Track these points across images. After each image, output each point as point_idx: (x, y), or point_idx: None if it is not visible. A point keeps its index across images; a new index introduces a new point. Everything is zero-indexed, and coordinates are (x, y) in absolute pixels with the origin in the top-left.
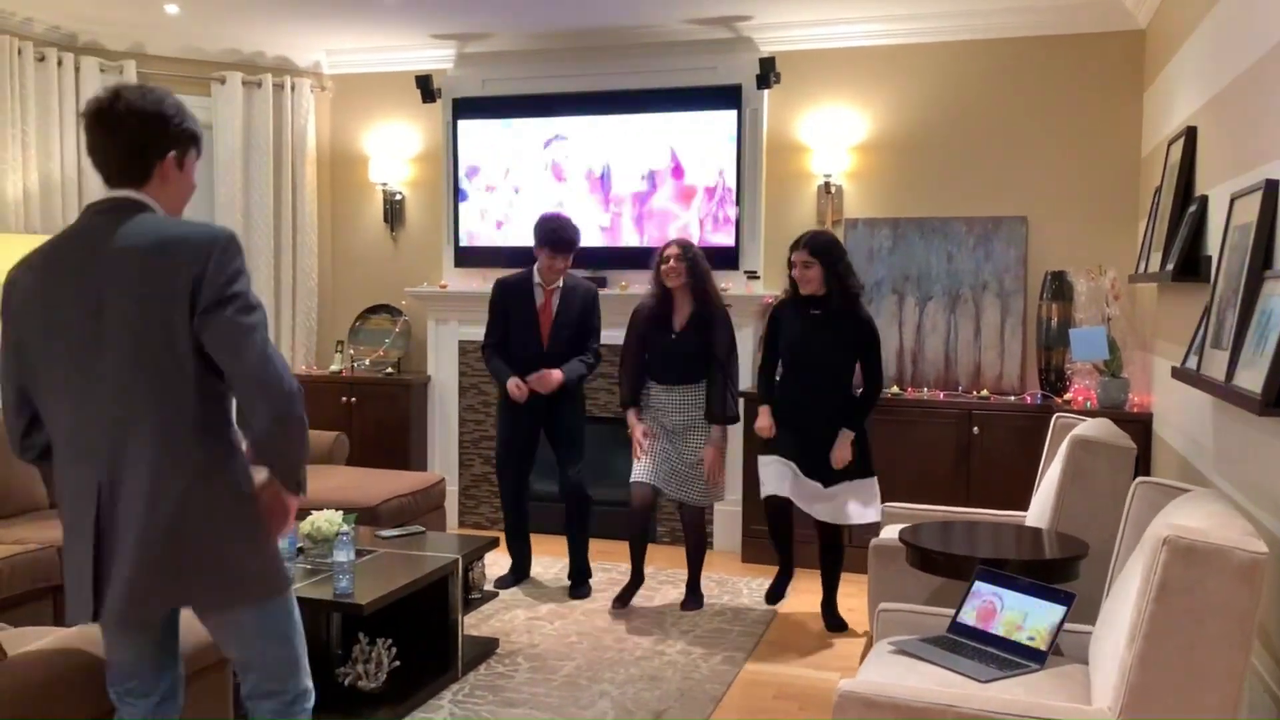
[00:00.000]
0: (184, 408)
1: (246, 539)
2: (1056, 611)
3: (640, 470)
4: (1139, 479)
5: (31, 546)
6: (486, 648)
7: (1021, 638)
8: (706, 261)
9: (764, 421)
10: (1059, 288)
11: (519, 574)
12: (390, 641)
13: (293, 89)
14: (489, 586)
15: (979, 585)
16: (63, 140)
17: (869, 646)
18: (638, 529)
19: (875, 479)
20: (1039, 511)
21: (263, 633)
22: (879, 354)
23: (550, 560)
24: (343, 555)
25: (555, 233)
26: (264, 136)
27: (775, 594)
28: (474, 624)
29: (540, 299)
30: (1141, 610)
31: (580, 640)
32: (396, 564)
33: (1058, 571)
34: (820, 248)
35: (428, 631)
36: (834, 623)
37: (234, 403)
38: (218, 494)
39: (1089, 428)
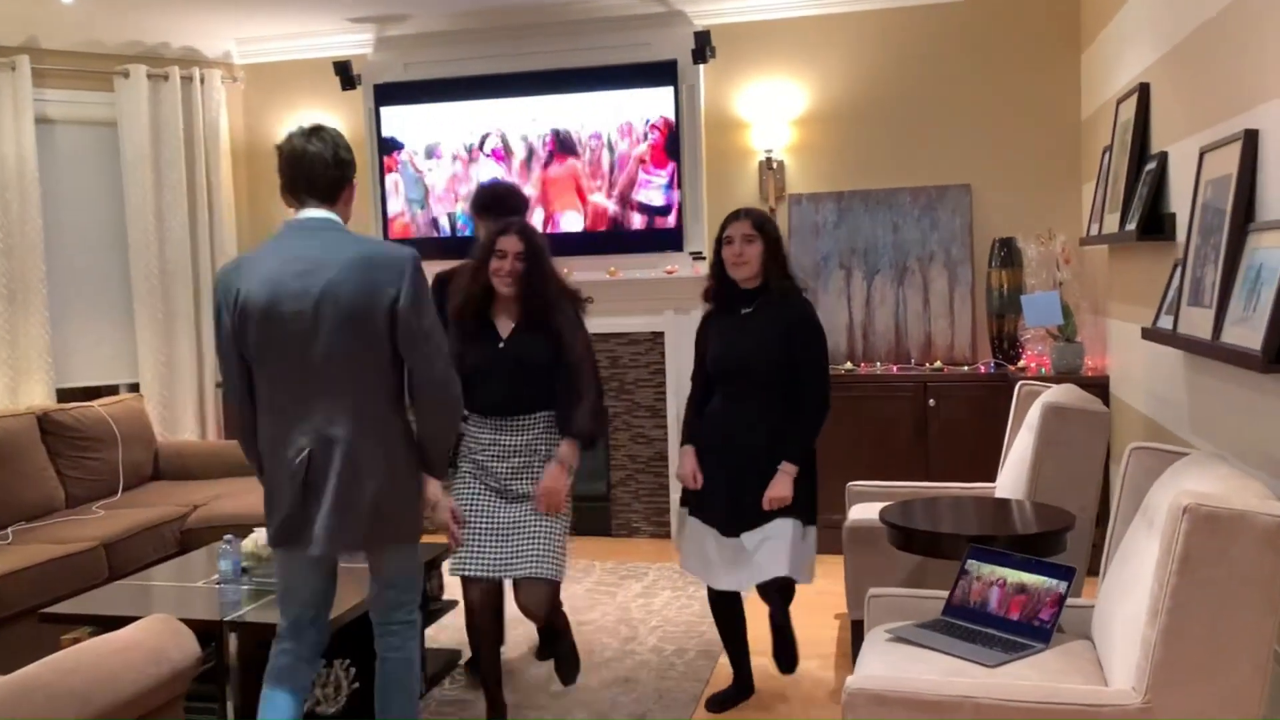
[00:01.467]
0: (382, 391)
1: (418, 494)
2: (1057, 586)
3: (467, 560)
4: (1133, 444)
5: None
6: (449, 660)
7: (1022, 616)
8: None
9: (686, 466)
10: (1008, 254)
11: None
12: (349, 662)
13: (202, 81)
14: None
15: (971, 563)
16: None
17: (848, 631)
18: (486, 639)
19: (814, 530)
20: (1011, 482)
21: (410, 560)
22: (823, 356)
23: None
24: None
25: (493, 198)
26: (173, 132)
27: (722, 702)
28: (434, 634)
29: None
30: (1164, 584)
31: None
32: (351, 579)
33: (1046, 545)
34: (763, 220)
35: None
36: (787, 660)
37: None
38: (404, 459)
39: (1058, 394)
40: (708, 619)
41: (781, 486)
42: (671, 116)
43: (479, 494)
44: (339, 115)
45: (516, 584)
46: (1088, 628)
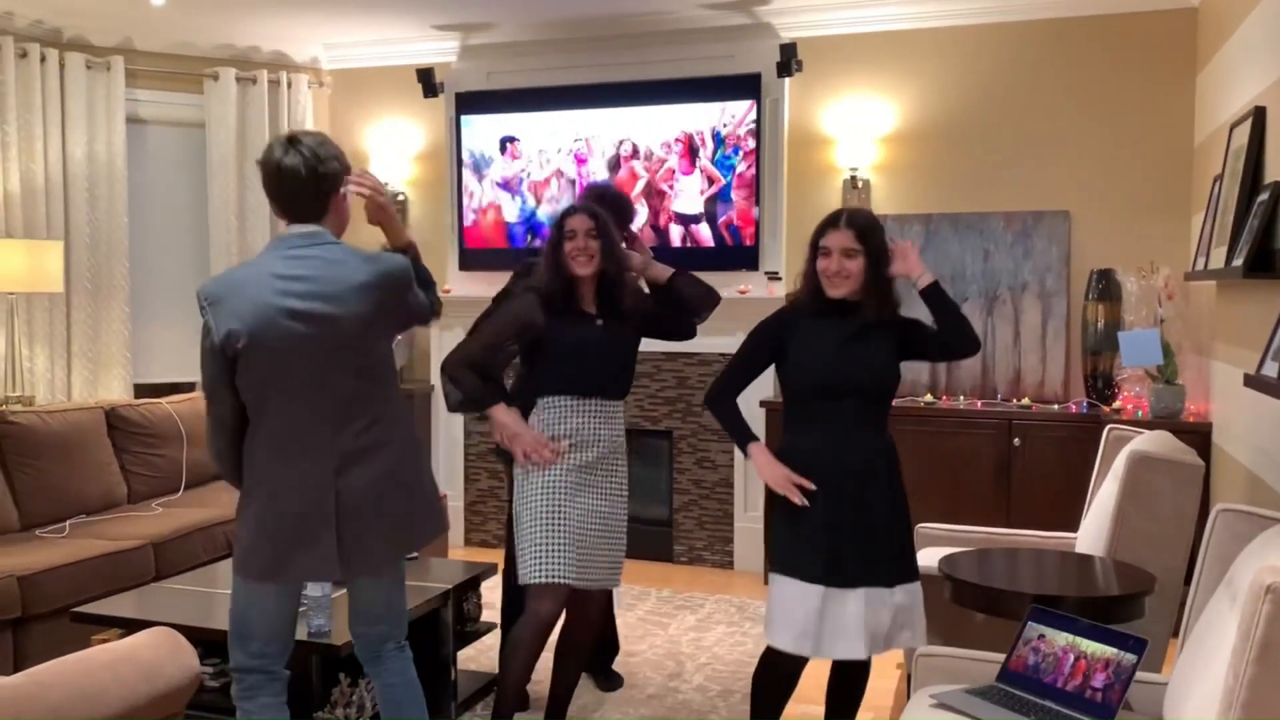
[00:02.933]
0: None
1: (435, 495)
2: (1125, 660)
3: (554, 563)
4: (1220, 506)
5: None
6: (484, 684)
7: (1084, 690)
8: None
9: (779, 471)
10: (1106, 287)
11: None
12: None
13: (289, 85)
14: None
15: (1032, 626)
16: (46, 141)
17: (903, 684)
18: (539, 648)
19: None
20: (1092, 536)
21: (401, 590)
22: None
23: None
24: (318, 590)
25: (602, 201)
26: (259, 135)
27: None
28: (471, 657)
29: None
30: (1239, 673)
31: (586, 676)
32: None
33: (1120, 609)
34: (869, 228)
35: (418, 667)
36: None
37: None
38: (416, 468)
39: (1148, 441)
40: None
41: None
42: (753, 131)
43: (575, 496)
44: (421, 122)
45: (586, 592)
46: (1159, 707)
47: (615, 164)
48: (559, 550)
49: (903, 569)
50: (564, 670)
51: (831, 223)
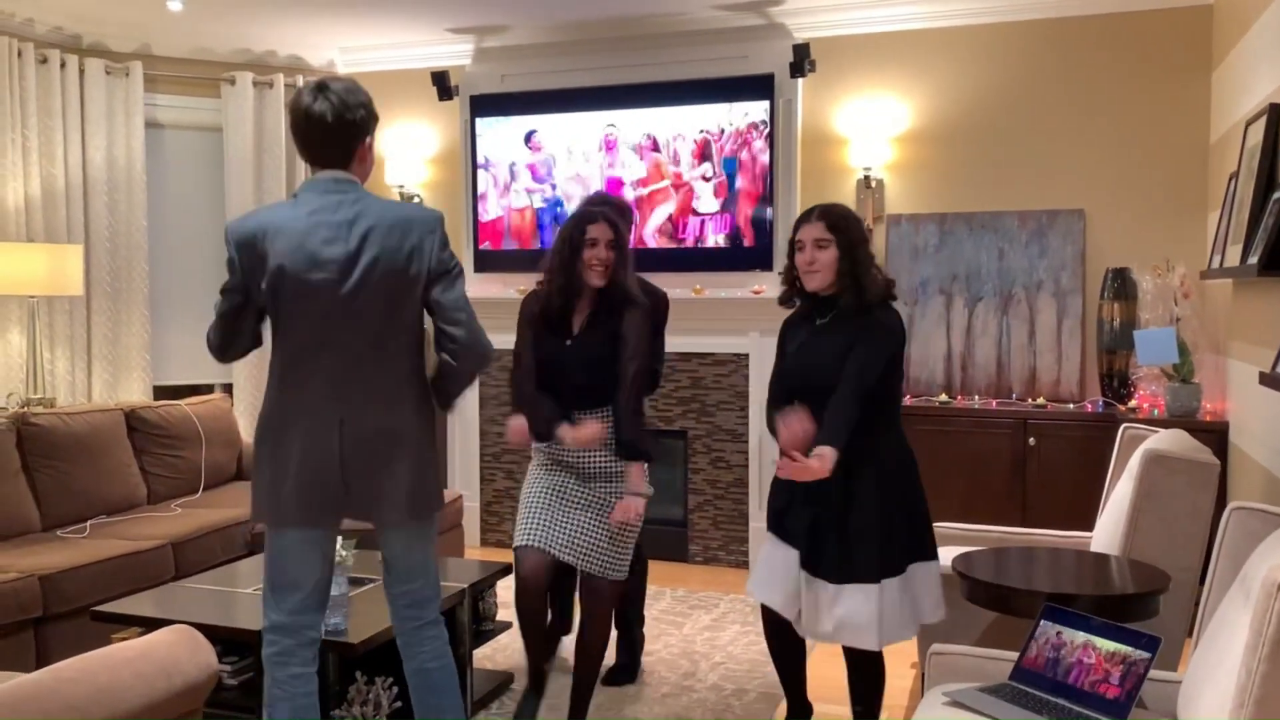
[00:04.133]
0: (411, 356)
1: (434, 462)
2: (1139, 657)
3: (529, 530)
4: (1234, 504)
5: (12, 575)
6: (500, 682)
7: (1097, 688)
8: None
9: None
10: (1121, 286)
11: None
12: (391, 680)
13: None
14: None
15: (1045, 625)
16: (66, 145)
17: (918, 683)
18: (535, 616)
19: (937, 564)
20: (1107, 535)
21: (430, 545)
22: (875, 359)
23: None
24: (335, 588)
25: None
26: (276, 139)
27: None
28: (487, 655)
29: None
30: (1252, 670)
31: (601, 675)
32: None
33: (1135, 608)
34: (838, 219)
35: None
36: None
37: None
38: (427, 424)
39: (1163, 440)
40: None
41: (818, 463)
42: (766, 131)
43: (551, 473)
44: (435, 125)
45: (585, 579)
46: (1173, 705)
47: (640, 172)
48: (527, 518)
49: (848, 571)
50: (579, 669)
51: (804, 218)
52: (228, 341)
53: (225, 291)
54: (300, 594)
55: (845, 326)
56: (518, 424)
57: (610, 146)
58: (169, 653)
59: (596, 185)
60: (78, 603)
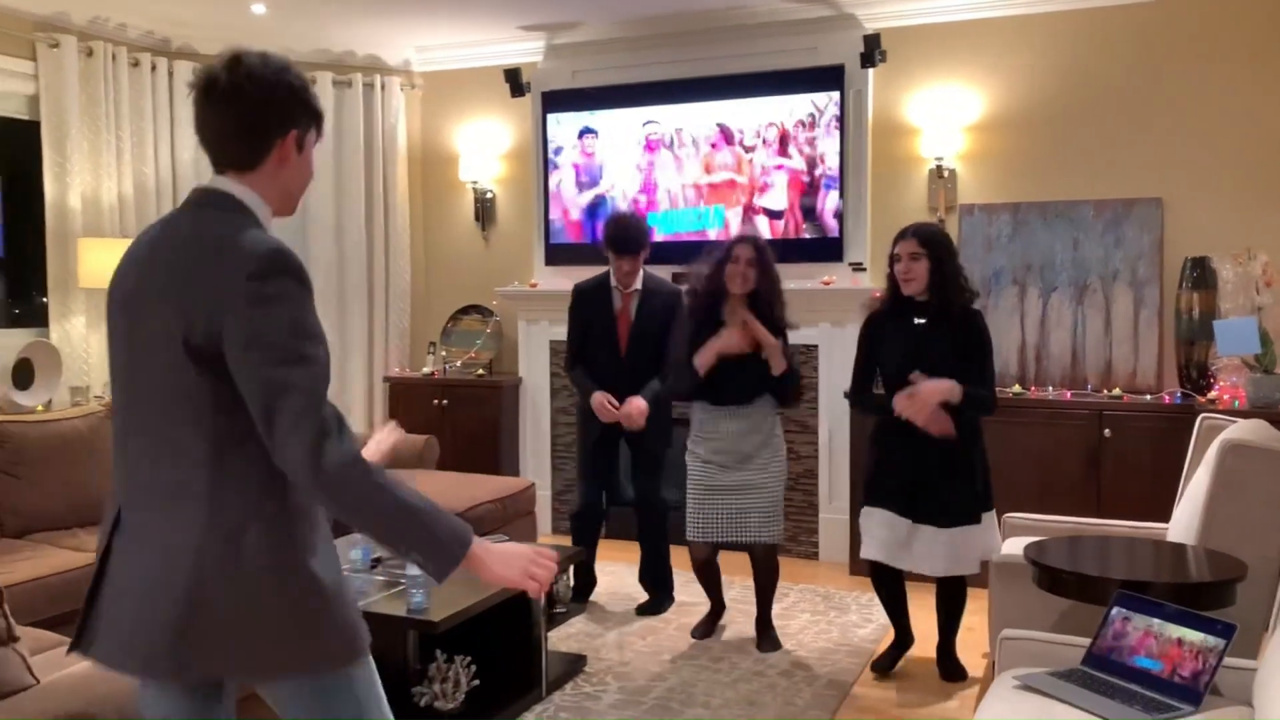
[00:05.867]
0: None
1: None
2: (1214, 644)
3: (698, 527)
4: None
5: None
6: (573, 665)
7: (1171, 674)
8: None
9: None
10: (1201, 275)
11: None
12: (469, 659)
13: (383, 88)
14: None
15: (1118, 611)
16: (157, 146)
17: (989, 671)
18: (706, 579)
19: (994, 513)
20: (1183, 525)
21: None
22: (989, 366)
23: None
24: (417, 569)
25: (618, 232)
26: (355, 137)
27: (886, 664)
28: (560, 639)
29: (618, 303)
30: None
31: (674, 659)
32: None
33: (1211, 596)
34: (929, 237)
35: (510, 648)
36: (951, 670)
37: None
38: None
39: (1241, 430)
40: (844, 647)
41: (929, 388)
42: (837, 123)
43: (705, 471)
44: (508, 121)
45: (748, 548)
46: (1249, 693)
47: (711, 164)
48: (694, 513)
49: (954, 516)
50: (760, 605)
51: (901, 235)
52: None
53: None
54: None
55: (943, 328)
56: (600, 399)
57: (678, 140)
58: None
59: (662, 178)
60: None
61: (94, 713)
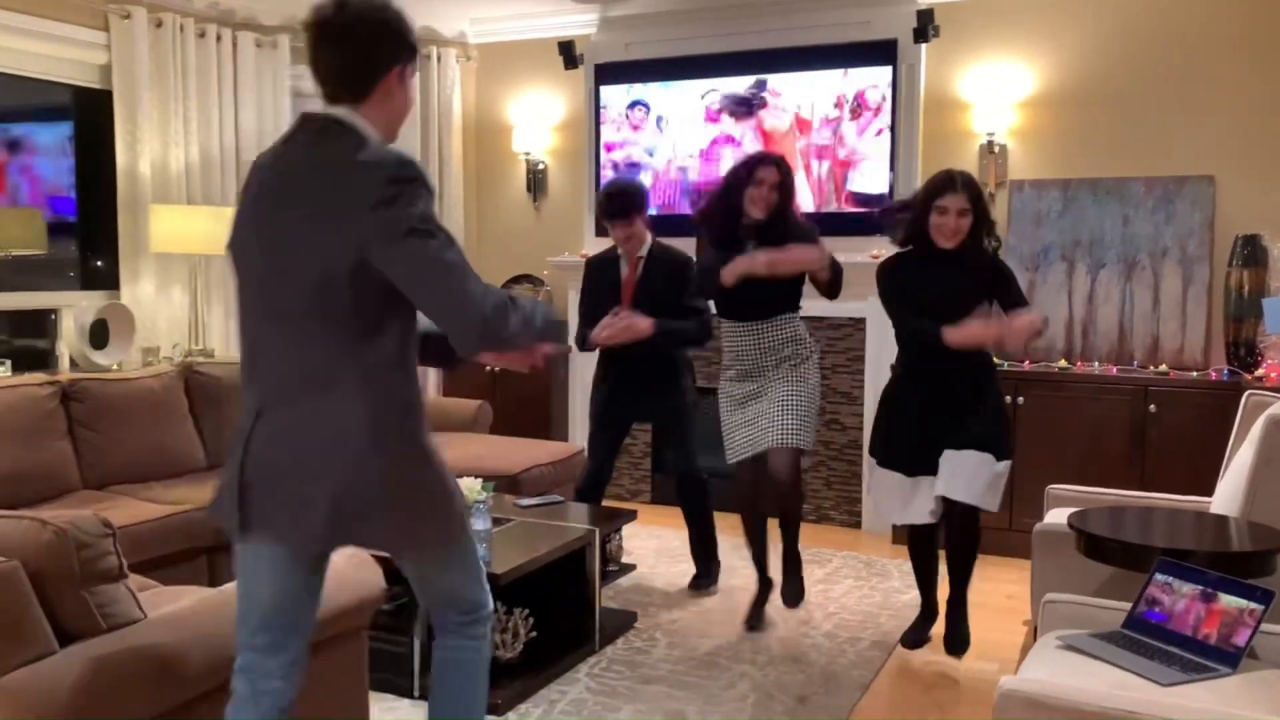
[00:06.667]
0: (351, 349)
1: (415, 474)
2: (1252, 609)
3: (732, 448)
4: None
5: (187, 507)
6: (624, 621)
7: (1210, 638)
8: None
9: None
10: (1251, 253)
11: None
12: (528, 612)
13: (439, 59)
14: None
15: (1160, 577)
16: (221, 115)
17: (1030, 637)
18: (754, 514)
19: (1007, 464)
20: (1227, 498)
21: (453, 568)
22: (1020, 292)
23: (680, 532)
24: (480, 524)
25: (604, 199)
26: (411, 109)
27: (915, 639)
28: (611, 596)
29: (625, 270)
30: None
31: (722, 617)
32: (534, 534)
33: (1251, 565)
34: (978, 193)
35: (565, 603)
36: (954, 633)
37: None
38: (390, 421)
39: None
40: (886, 610)
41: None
42: (889, 97)
43: (731, 393)
44: (561, 93)
45: (771, 456)
46: None
47: (762, 137)
48: (732, 436)
49: (988, 444)
50: (785, 536)
51: (948, 185)
52: None
53: None
54: (254, 610)
55: (975, 274)
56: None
57: (726, 112)
58: (345, 571)
59: (720, 147)
60: None
61: (197, 644)
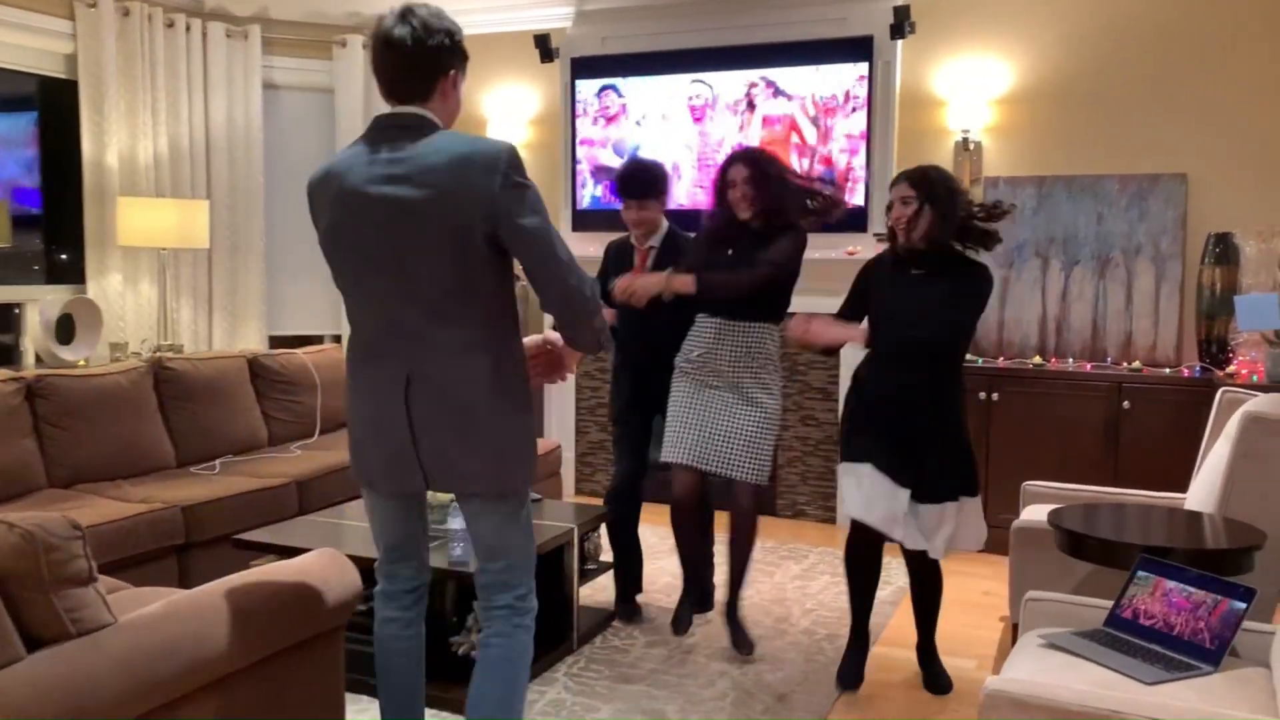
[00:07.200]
0: (481, 311)
1: (522, 438)
2: (1233, 607)
3: (674, 446)
4: None
5: (157, 505)
6: (602, 619)
7: (1191, 635)
8: (778, 169)
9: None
10: (1223, 251)
11: (626, 595)
12: None
13: None
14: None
15: (1141, 575)
16: (190, 105)
17: (1009, 634)
18: (688, 525)
19: (979, 499)
20: (1202, 494)
21: (514, 527)
22: (969, 322)
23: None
24: (456, 523)
25: (624, 175)
26: (384, 101)
27: (849, 675)
28: (589, 594)
29: (636, 260)
30: None
31: (699, 615)
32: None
33: (1230, 563)
34: (921, 178)
35: (543, 602)
36: (935, 679)
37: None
38: (506, 390)
39: (1263, 403)
40: None
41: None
42: (864, 93)
43: (689, 390)
44: (537, 87)
45: (736, 486)
46: (1266, 655)
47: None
48: (676, 433)
49: (951, 489)
50: (732, 566)
51: (895, 179)
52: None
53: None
54: (387, 547)
55: (942, 280)
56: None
57: (706, 107)
58: (322, 573)
59: (696, 144)
60: (214, 532)
61: (170, 648)
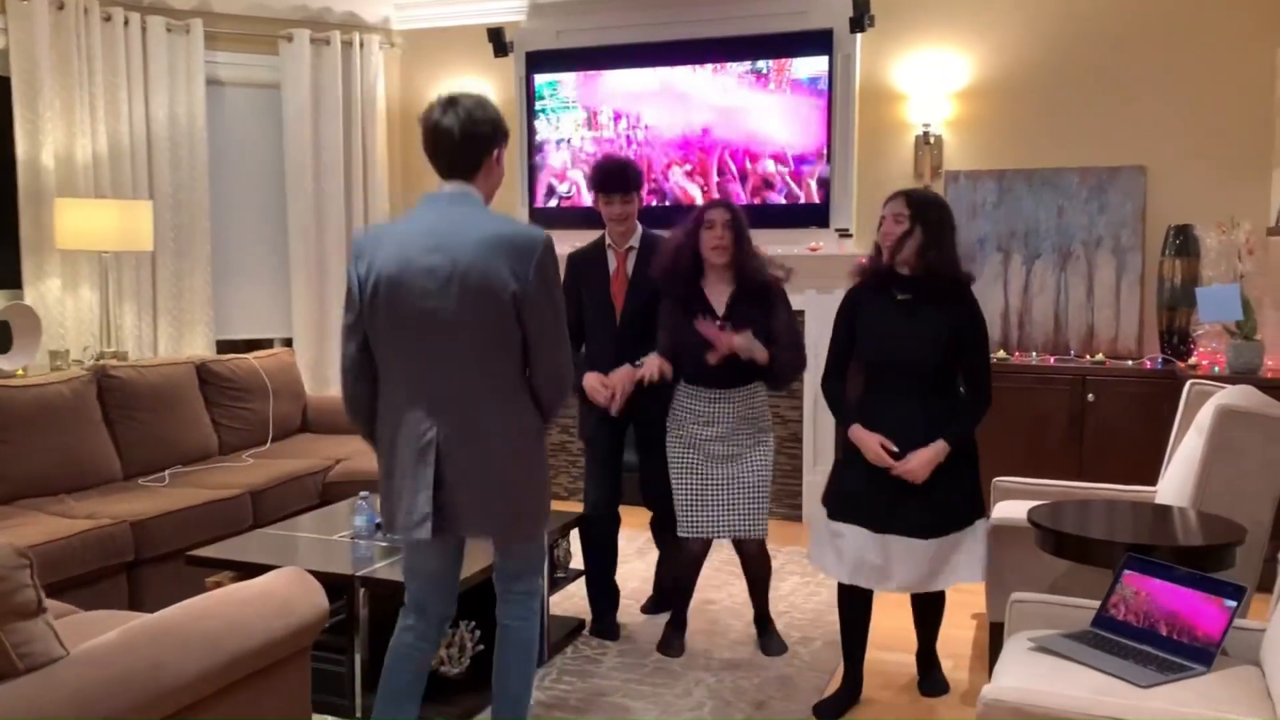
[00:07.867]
0: (510, 373)
1: (543, 479)
2: (1224, 605)
3: (692, 525)
4: None
5: (104, 521)
6: (573, 628)
7: (1182, 635)
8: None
9: (872, 441)
10: (1183, 243)
11: (601, 614)
12: (474, 624)
13: (361, 46)
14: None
15: (1128, 574)
16: (130, 102)
17: (982, 632)
18: (690, 581)
19: (986, 522)
20: (1174, 489)
21: (535, 539)
22: (988, 357)
23: (634, 533)
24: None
25: (606, 170)
26: (333, 96)
27: (828, 711)
28: (558, 602)
29: (613, 264)
30: None
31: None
32: (478, 543)
33: (1212, 559)
34: (920, 200)
35: None
36: (932, 684)
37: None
38: (530, 442)
39: (1234, 395)
40: (834, 608)
41: (923, 462)
42: (825, 87)
43: (694, 462)
44: (491, 82)
45: (738, 544)
46: (1255, 653)
47: (696, 128)
48: (688, 506)
49: (948, 523)
50: (755, 605)
51: (892, 195)
52: (350, 403)
53: (345, 330)
54: (417, 581)
55: (935, 308)
56: (591, 381)
57: (667, 101)
58: (286, 593)
59: (656, 139)
60: (166, 548)
61: (126, 680)
